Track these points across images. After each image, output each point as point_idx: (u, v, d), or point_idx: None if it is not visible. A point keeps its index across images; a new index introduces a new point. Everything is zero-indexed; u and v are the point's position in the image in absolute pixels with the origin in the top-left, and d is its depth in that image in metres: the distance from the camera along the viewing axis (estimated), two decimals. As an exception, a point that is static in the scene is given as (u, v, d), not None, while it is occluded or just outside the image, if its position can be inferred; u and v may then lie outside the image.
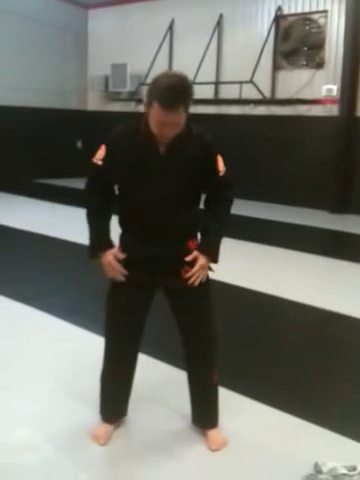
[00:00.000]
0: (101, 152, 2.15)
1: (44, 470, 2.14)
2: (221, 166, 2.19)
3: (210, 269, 2.23)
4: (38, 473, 2.13)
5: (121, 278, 2.15)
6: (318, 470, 2.08)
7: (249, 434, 2.44)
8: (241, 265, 5.37)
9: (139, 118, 2.12)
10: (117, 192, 2.22)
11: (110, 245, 2.18)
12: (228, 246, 5.85)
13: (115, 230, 2.24)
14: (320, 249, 6.14)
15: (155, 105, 1.93)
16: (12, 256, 5.38)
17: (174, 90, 1.91)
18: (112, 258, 2.13)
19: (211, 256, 2.18)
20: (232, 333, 3.61)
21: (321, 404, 2.73)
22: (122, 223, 2.20)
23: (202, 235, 2.22)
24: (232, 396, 2.74)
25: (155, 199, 2.09)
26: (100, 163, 2.15)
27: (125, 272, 2.14)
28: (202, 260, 2.15)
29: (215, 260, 2.21)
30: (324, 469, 2.07)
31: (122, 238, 2.21)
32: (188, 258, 2.12)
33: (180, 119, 1.98)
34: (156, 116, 1.95)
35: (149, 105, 1.98)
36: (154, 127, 2.00)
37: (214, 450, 2.29)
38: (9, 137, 10.54)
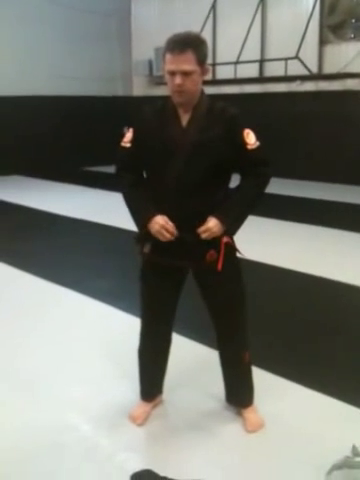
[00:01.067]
0: (129, 135, 2.18)
1: (82, 449, 2.20)
2: (251, 139, 2.08)
3: (236, 249, 2.19)
4: (76, 452, 2.18)
5: (171, 238, 2.06)
6: (356, 452, 2.02)
7: (286, 415, 2.42)
8: (289, 246, 5.28)
9: (165, 98, 2.12)
10: (145, 174, 2.22)
11: (156, 210, 2.09)
12: (278, 228, 5.93)
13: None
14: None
15: (166, 57, 1.96)
16: (59, 242, 5.51)
17: (180, 36, 1.97)
18: (163, 220, 2.05)
19: (224, 222, 2.06)
20: (273, 315, 3.58)
21: (362, 386, 2.67)
22: None
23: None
24: (270, 377, 2.72)
25: (179, 176, 2.05)
26: (128, 145, 2.17)
27: (176, 234, 2.06)
28: (211, 222, 2.04)
29: (230, 229, 2.10)
30: (362, 452, 2.02)
31: None
32: (200, 229, 2.04)
33: (190, 64, 1.93)
34: (167, 67, 1.96)
35: (163, 63, 2.00)
36: (170, 86, 1.99)
37: (250, 432, 2.28)
38: (57, 126, 10.78)
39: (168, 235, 2.05)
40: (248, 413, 2.34)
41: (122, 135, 2.23)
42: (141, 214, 2.14)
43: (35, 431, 2.32)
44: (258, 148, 2.10)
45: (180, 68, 1.93)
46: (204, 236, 2.05)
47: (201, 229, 2.04)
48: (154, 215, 2.08)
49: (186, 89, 1.97)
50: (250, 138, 2.08)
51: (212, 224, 2.04)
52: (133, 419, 2.36)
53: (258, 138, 2.12)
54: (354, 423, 2.37)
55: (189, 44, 1.94)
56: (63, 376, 2.79)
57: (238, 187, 2.16)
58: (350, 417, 2.42)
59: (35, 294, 4.04)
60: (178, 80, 1.94)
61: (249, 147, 2.08)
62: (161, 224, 2.04)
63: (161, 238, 2.06)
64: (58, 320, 3.53)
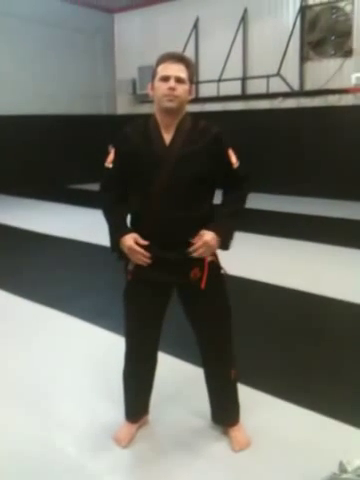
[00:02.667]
0: (111, 155, 2.20)
1: (67, 471, 2.16)
2: (234, 159, 2.15)
3: (220, 267, 2.20)
4: (61, 474, 2.14)
5: (145, 261, 2.07)
6: (343, 469, 2.00)
7: (273, 433, 2.40)
8: (275, 261, 5.31)
9: (146, 117, 2.16)
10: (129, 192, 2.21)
11: (128, 230, 2.13)
12: (262, 242, 5.96)
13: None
14: None
15: (159, 68, 2.05)
16: (43, 261, 5.48)
17: (175, 52, 2.13)
18: (132, 242, 2.07)
19: (220, 235, 2.07)
20: (260, 330, 3.58)
21: (347, 401, 2.66)
22: (132, 222, 2.20)
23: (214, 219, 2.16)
24: (254, 394, 2.70)
25: (160, 192, 2.06)
26: (110, 166, 2.19)
27: (147, 254, 2.06)
28: (208, 236, 2.04)
29: (225, 242, 2.11)
30: (349, 468, 2.00)
31: None
32: (194, 239, 2.04)
33: (183, 74, 2.03)
34: (162, 73, 2.03)
35: (153, 77, 2.07)
36: (161, 92, 2.03)
37: (237, 451, 2.26)
38: (42, 145, 10.79)
39: (139, 256, 2.06)
40: (234, 431, 2.32)
41: (107, 153, 2.24)
42: (113, 235, 2.16)
43: (19, 452, 2.29)
44: (239, 166, 2.17)
45: (175, 73, 2.02)
46: (200, 252, 2.04)
47: (197, 244, 2.03)
48: (125, 233, 2.10)
49: (178, 94, 2.02)
50: (233, 157, 2.15)
51: (209, 237, 2.04)
52: (118, 441, 2.32)
53: (237, 156, 2.18)
54: (341, 439, 2.35)
55: (183, 59, 2.07)
56: (47, 396, 2.75)
57: (224, 202, 2.19)
58: (337, 433, 2.40)
59: (19, 314, 3.99)
60: (172, 83, 2.01)
61: (234, 166, 2.15)
62: (128, 245, 2.07)
63: (134, 259, 2.09)
64: (42, 340, 3.49)
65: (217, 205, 2.19)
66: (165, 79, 2.02)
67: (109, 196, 2.21)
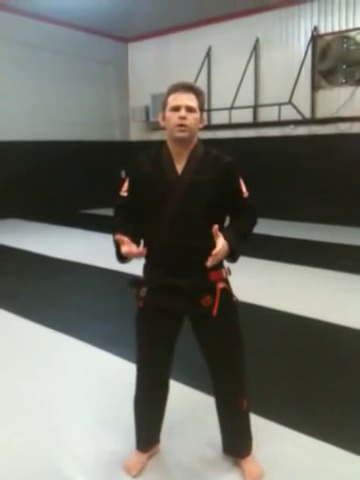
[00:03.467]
0: (125, 184, 2.24)
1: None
2: (244, 188, 2.19)
3: (232, 294, 2.19)
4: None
5: (137, 252, 1.99)
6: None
7: (285, 463, 2.36)
8: (288, 288, 5.29)
9: (159, 145, 2.19)
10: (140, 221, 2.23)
11: (124, 230, 2.06)
12: (273, 269, 5.95)
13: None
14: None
15: (169, 98, 2.07)
16: (55, 286, 5.50)
17: (184, 82, 2.13)
18: (121, 235, 1.99)
19: (231, 243, 2.03)
20: (271, 359, 3.55)
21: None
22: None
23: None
24: (266, 424, 2.67)
25: (173, 221, 2.08)
26: (125, 194, 2.22)
27: (138, 248, 2.00)
28: (220, 242, 1.97)
29: (234, 255, 2.09)
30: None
31: (145, 268, 2.22)
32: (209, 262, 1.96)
33: (193, 103, 2.05)
34: (172, 103, 2.05)
35: (164, 108, 2.10)
36: (172, 122, 2.05)
37: (251, 483, 2.22)
38: (57, 170, 10.94)
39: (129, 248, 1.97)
40: (247, 463, 2.28)
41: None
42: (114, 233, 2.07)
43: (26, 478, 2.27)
44: (249, 196, 2.21)
45: (185, 103, 2.04)
46: (215, 259, 1.96)
47: (214, 252, 1.94)
48: (119, 231, 2.02)
49: (189, 124, 2.04)
50: (243, 187, 2.19)
51: (221, 244, 1.97)
52: (128, 470, 2.30)
53: (247, 186, 2.21)
54: (356, 471, 2.31)
55: (193, 89, 2.09)
56: (57, 423, 2.73)
57: (233, 221, 2.20)
58: (351, 465, 2.36)
59: (31, 339, 3.99)
60: (183, 113, 2.03)
61: (244, 196, 2.18)
62: (119, 238, 1.98)
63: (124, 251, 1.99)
64: (53, 366, 3.49)
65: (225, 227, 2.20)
66: (176, 109, 2.05)
67: (121, 215, 2.24)
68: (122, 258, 2.11)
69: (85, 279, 5.85)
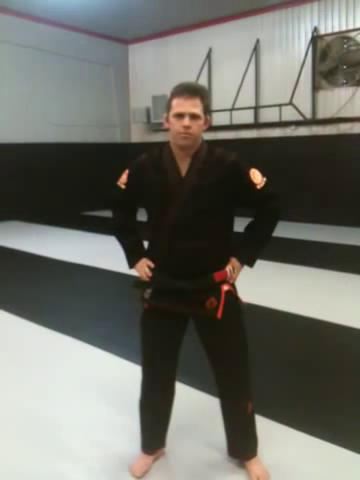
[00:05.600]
0: (124, 176, 2.23)
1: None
2: (257, 179, 2.10)
3: (237, 297, 2.18)
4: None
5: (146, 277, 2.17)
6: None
7: (291, 464, 2.35)
8: (288, 289, 5.27)
9: (161, 146, 2.17)
10: (146, 219, 2.23)
11: (143, 253, 2.24)
12: (275, 270, 5.93)
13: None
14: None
15: (173, 102, 2.02)
16: (58, 288, 5.49)
17: (189, 83, 2.07)
18: (143, 264, 2.18)
19: (246, 261, 2.19)
20: (275, 359, 3.54)
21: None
22: (149, 251, 2.21)
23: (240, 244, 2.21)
24: (271, 425, 2.66)
25: (177, 223, 2.06)
26: (122, 187, 2.23)
27: (150, 274, 2.16)
28: (234, 263, 2.15)
29: (251, 264, 2.22)
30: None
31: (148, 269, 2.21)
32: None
33: (197, 109, 1.99)
34: (176, 110, 2.00)
35: (168, 110, 2.06)
36: (176, 129, 2.02)
37: (257, 485, 2.21)
38: (59, 172, 10.94)
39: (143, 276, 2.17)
40: (252, 465, 2.27)
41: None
42: (131, 255, 2.27)
43: (32, 484, 2.26)
44: (266, 185, 2.13)
45: (189, 110, 1.98)
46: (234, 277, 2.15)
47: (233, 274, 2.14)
48: (140, 257, 2.21)
49: (192, 132, 2.00)
50: (257, 177, 2.11)
51: (229, 272, 2.13)
52: (133, 471, 2.29)
53: (262, 174, 2.15)
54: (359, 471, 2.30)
55: (198, 91, 2.01)
56: (61, 425, 2.72)
57: (253, 228, 2.19)
58: (355, 465, 2.35)
59: (33, 341, 3.99)
60: (187, 122, 1.97)
61: (258, 186, 2.10)
62: (139, 266, 2.20)
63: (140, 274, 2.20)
64: (57, 367, 3.48)
65: (246, 226, 2.21)
66: (179, 116, 2.00)
67: (120, 215, 2.29)
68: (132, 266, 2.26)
69: (85, 280, 5.84)
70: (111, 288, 5.45)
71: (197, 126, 2.01)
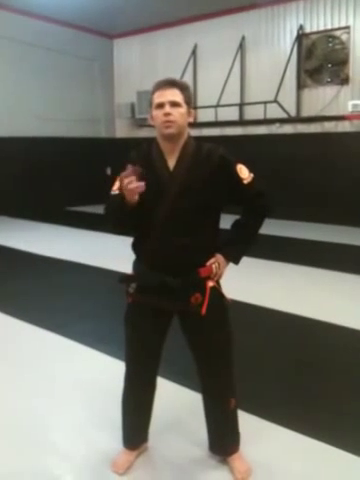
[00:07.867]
0: (117, 183, 2.17)
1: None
2: (244, 174, 2.12)
3: (222, 294, 2.18)
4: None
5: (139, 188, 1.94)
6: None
7: (274, 461, 2.36)
8: (276, 287, 5.31)
9: (150, 141, 2.16)
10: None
11: None
12: (263, 268, 5.95)
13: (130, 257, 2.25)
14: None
15: (154, 96, 2.05)
16: (42, 284, 5.45)
17: (168, 78, 2.10)
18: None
19: (231, 258, 2.20)
20: (261, 356, 3.56)
21: (350, 430, 2.63)
22: (134, 246, 2.19)
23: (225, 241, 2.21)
24: (255, 421, 2.67)
25: (165, 219, 2.05)
26: (117, 192, 2.12)
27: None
28: (219, 259, 2.15)
29: (236, 261, 2.23)
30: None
31: (134, 264, 2.20)
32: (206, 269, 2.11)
33: (177, 98, 2.02)
34: (156, 101, 2.03)
35: (151, 106, 2.07)
36: (159, 120, 2.03)
37: (239, 480, 2.22)
38: (42, 167, 10.85)
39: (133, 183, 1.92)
40: (234, 460, 2.28)
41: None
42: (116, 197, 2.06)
43: (15, 479, 2.24)
44: (253, 180, 2.14)
45: (168, 98, 2.00)
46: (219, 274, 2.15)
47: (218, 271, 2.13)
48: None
49: (174, 119, 2.00)
50: (243, 172, 2.12)
51: (214, 268, 2.12)
52: (116, 468, 2.29)
53: (250, 170, 2.16)
54: (344, 468, 2.32)
55: (176, 84, 2.05)
56: (45, 421, 2.71)
57: (241, 225, 2.22)
58: (339, 461, 2.37)
59: (17, 337, 3.96)
60: (167, 109, 1.99)
61: (245, 182, 2.11)
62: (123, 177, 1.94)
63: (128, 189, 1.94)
64: (40, 364, 3.46)
65: (233, 223, 2.23)
66: (160, 106, 2.02)
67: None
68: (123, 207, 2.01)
69: (72, 277, 5.80)
70: (98, 285, 5.42)
71: (179, 114, 2.02)
